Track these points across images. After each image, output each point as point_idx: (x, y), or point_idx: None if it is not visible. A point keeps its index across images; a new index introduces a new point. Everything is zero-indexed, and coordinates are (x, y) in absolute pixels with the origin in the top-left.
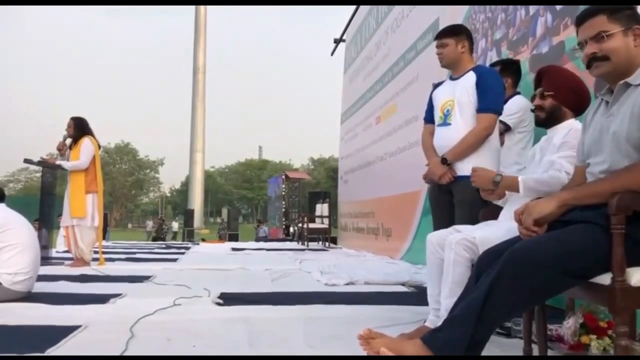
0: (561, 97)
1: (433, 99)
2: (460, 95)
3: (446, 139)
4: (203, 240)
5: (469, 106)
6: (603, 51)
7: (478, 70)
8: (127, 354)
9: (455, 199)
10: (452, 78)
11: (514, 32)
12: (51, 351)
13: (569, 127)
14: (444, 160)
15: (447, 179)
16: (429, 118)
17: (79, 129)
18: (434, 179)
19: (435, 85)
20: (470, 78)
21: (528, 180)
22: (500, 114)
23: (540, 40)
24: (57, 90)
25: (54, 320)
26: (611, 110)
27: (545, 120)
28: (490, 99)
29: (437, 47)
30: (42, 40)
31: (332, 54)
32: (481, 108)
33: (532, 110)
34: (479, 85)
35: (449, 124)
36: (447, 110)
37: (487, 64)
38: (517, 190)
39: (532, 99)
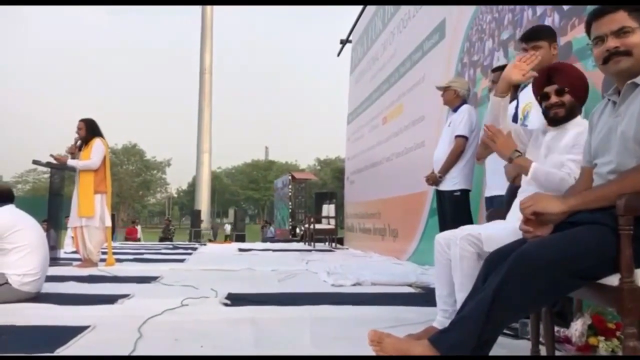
0: (578, 93)
1: (518, 101)
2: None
3: None
4: (210, 240)
5: None
6: (625, 46)
7: None
8: (135, 354)
9: None
10: None
11: (521, 33)
12: (60, 351)
13: (581, 127)
14: None
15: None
16: (514, 120)
17: (90, 130)
18: (508, 180)
19: (522, 87)
20: None
21: (539, 170)
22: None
23: None
24: (64, 91)
25: (62, 320)
26: (619, 111)
27: (565, 117)
28: None
29: (529, 49)
30: (49, 41)
31: (338, 55)
32: None
33: (547, 109)
34: None
35: (526, 126)
36: (527, 113)
37: (494, 65)
38: (526, 173)
39: (543, 98)
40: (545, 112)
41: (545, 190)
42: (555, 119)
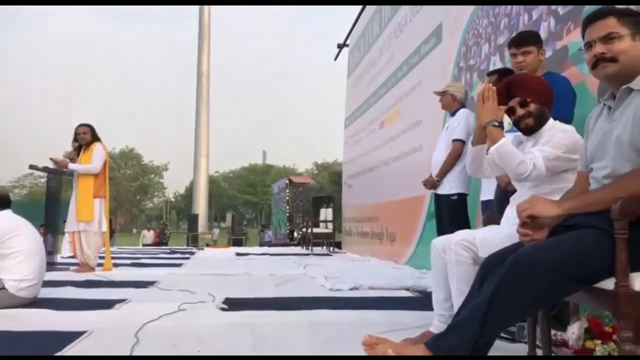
0: (541, 99)
1: None
2: None
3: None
4: (207, 245)
5: None
6: (612, 52)
7: (549, 77)
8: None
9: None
10: None
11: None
12: None
13: (554, 128)
14: None
15: (513, 186)
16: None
17: (93, 135)
18: (501, 185)
19: None
20: None
21: (506, 145)
22: (570, 121)
23: (544, 45)
24: (61, 95)
25: (59, 326)
26: (614, 116)
27: (534, 125)
28: (559, 107)
29: (518, 54)
30: (46, 45)
31: (335, 59)
32: (552, 116)
33: (517, 122)
34: None
35: (516, 130)
36: None
37: (490, 69)
38: (493, 143)
39: (509, 113)
40: (517, 125)
41: (502, 167)
42: (527, 129)
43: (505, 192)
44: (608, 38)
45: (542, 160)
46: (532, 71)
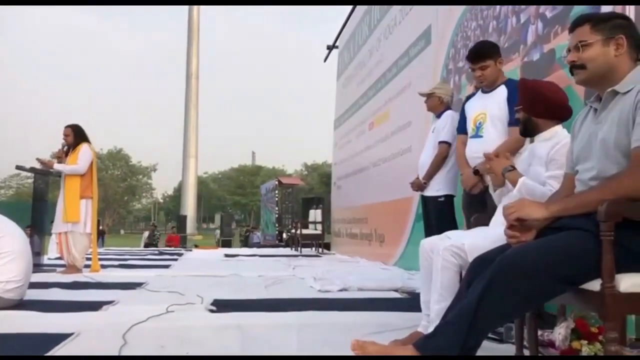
0: (528, 110)
1: (465, 110)
2: (492, 108)
3: (478, 150)
4: (196, 246)
5: (500, 119)
6: (580, 60)
7: (509, 84)
8: None
9: (489, 207)
10: (484, 91)
11: (505, 40)
12: None
13: (555, 140)
14: (476, 172)
15: (477, 189)
16: (462, 129)
17: (78, 136)
18: (466, 189)
19: (468, 97)
20: (502, 92)
21: (525, 185)
22: None
23: (532, 48)
24: (49, 95)
25: (46, 328)
26: (600, 118)
27: (523, 132)
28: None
29: (476, 69)
30: (33, 45)
31: (325, 61)
32: (512, 121)
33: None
34: (510, 99)
35: (481, 136)
36: (479, 123)
37: None
38: (514, 185)
39: None
40: None
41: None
42: (522, 133)
43: (469, 195)
44: (577, 46)
45: (557, 185)
46: (492, 82)
